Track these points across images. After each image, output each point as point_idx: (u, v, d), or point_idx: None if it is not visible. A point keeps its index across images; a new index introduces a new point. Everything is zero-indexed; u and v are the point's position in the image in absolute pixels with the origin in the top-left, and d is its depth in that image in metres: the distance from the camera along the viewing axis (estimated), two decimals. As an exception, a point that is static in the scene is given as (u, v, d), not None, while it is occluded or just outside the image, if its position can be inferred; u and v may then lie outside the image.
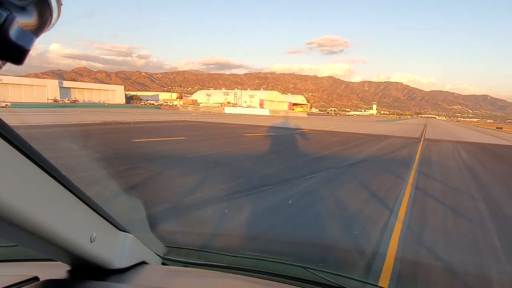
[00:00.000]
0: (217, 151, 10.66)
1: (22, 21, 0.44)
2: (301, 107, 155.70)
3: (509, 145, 21.47)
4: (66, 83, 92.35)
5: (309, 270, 1.37)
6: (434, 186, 7.44)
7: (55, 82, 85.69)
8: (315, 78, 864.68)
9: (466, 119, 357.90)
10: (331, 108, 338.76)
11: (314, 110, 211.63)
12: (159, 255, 1.40)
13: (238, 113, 60.40)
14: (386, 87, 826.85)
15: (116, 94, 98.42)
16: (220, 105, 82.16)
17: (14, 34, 0.42)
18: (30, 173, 0.64)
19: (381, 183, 7.36)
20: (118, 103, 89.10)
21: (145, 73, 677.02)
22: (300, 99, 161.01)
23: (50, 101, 70.26)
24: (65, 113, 27.52)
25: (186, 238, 3.75)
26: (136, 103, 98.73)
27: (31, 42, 0.45)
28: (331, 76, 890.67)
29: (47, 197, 0.70)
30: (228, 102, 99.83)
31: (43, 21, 0.50)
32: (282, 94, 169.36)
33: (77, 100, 79.26)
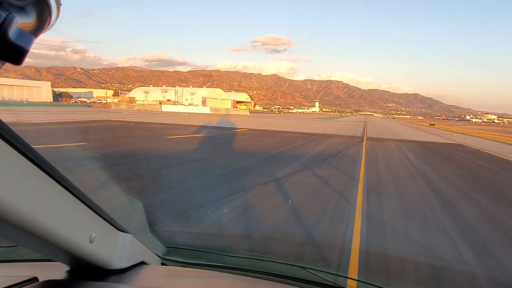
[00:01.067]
0: (113, 161, 7.95)
1: (21, 21, 0.44)
2: (245, 105, 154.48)
3: (449, 143, 20.96)
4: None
5: (308, 270, 1.39)
6: (390, 209, 5.47)
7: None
8: (259, 76, 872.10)
9: (400, 116, 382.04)
10: (275, 106, 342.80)
11: (258, 108, 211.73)
12: (158, 255, 1.41)
13: (176, 111, 56.92)
14: (327, 85, 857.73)
15: (42, 91, 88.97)
16: (158, 103, 77.61)
17: (13, 34, 0.42)
18: (30, 173, 0.64)
19: (319, 212, 5.18)
20: (44, 101, 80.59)
21: (81, 68, 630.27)
22: (243, 96, 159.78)
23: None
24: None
25: (185, 238, 3.85)
26: (66, 100, 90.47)
27: (30, 42, 0.45)
28: (275, 74, 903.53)
29: (47, 198, 0.70)
30: (168, 100, 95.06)
31: (42, 21, 0.50)
32: (226, 91, 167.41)
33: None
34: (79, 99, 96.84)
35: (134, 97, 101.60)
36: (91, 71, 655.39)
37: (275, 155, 10.71)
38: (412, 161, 11.15)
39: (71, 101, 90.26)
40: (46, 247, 0.79)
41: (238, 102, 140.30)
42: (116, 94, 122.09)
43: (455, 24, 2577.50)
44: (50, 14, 0.51)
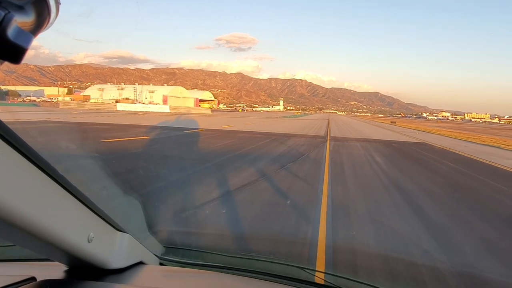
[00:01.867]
0: None
1: (20, 20, 0.44)
2: (208, 103, 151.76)
3: (414, 142, 20.08)
4: None
5: (305, 270, 1.42)
6: (362, 236, 3.86)
7: None
8: (224, 74, 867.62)
9: (361, 114, 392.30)
10: (239, 105, 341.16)
11: (222, 106, 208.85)
12: (156, 255, 1.41)
13: (132, 110, 53.73)
14: (291, 84, 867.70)
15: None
16: (115, 101, 73.51)
17: (12, 33, 0.42)
18: (28, 173, 0.64)
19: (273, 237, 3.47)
20: (-14, 100, 74.20)
21: (34, 65, 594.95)
22: (207, 95, 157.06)
23: None
24: None
25: (183, 238, 3.86)
26: (13, 99, 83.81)
27: (29, 41, 0.44)
28: (239, 73, 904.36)
29: (45, 197, 0.70)
30: (127, 98, 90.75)
31: (41, 20, 0.49)
32: (189, 90, 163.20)
33: None
34: (28, 97, 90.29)
35: (89, 96, 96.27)
36: (46, 68, 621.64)
37: (223, 162, 8.91)
38: (381, 166, 9.76)
39: (18, 99, 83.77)
40: (44, 246, 0.79)
41: (201, 100, 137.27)
42: (70, 92, 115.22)
43: (412, 26, 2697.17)
44: (49, 13, 0.50)
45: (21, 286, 0.89)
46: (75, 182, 0.77)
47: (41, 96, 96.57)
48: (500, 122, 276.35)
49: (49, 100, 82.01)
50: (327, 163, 9.67)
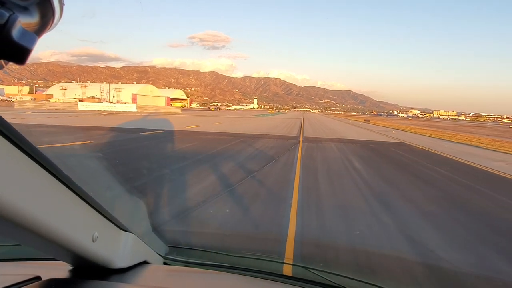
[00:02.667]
0: None
1: (25, 21, 0.44)
2: (180, 102, 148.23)
3: (392, 142, 18.72)
4: None
5: (310, 270, 1.41)
6: None
7: None
8: (197, 73, 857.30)
9: (335, 112, 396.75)
10: (213, 103, 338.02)
11: (195, 105, 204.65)
12: (160, 255, 1.41)
13: (96, 109, 50.57)
14: (266, 82, 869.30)
15: None
16: (78, 100, 69.49)
17: (17, 34, 0.42)
18: (32, 172, 0.65)
19: None
20: None
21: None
22: (179, 93, 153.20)
23: None
24: None
25: (187, 237, 3.83)
26: (-31, 98, 78.23)
27: (33, 42, 0.45)
28: (213, 71, 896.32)
29: (49, 197, 0.70)
30: (93, 97, 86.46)
31: (46, 21, 0.50)
32: (160, 88, 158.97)
33: None
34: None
35: (52, 95, 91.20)
36: (10, 67, 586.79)
37: (164, 177, 6.99)
38: (362, 175, 8.12)
39: (-27, 99, 78.22)
40: (48, 246, 0.79)
41: (173, 99, 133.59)
42: (31, 91, 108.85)
43: (383, 26, 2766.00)
44: (53, 14, 0.50)
45: (26, 285, 0.89)
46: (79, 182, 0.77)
47: (1, 95, 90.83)
48: (466, 119, 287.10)
49: (8, 99, 77.08)
50: (297, 174, 7.83)
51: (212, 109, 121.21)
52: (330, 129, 29.89)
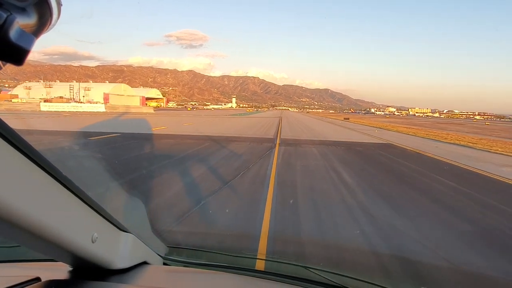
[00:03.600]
0: None
1: (22, 22, 0.44)
2: (156, 101, 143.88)
3: (378, 144, 16.90)
4: None
5: (310, 269, 1.39)
6: None
7: None
8: (175, 72, 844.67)
9: (313, 110, 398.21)
10: (191, 103, 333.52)
11: (172, 104, 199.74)
12: (160, 255, 1.41)
13: (60, 110, 47.08)
14: (244, 81, 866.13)
15: None
16: (43, 100, 65.22)
17: (14, 35, 0.42)
18: (32, 174, 0.65)
19: None
20: None
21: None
22: (154, 92, 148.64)
23: None
24: None
25: (187, 238, 3.78)
26: None
27: (31, 43, 0.45)
28: (191, 70, 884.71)
29: (49, 198, 0.70)
30: (61, 97, 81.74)
31: (43, 22, 0.49)
32: (137, 87, 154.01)
33: None
34: None
35: (17, 95, 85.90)
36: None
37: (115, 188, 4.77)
38: (357, 196, 6.09)
39: None
40: (48, 247, 0.79)
41: (148, 98, 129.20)
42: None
43: (360, 26, 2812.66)
44: (51, 15, 0.50)
45: (26, 286, 0.89)
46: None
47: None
48: (441, 116, 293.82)
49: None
50: (268, 202, 5.58)
51: (189, 109, 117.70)
52: (309, 128, 28.00)
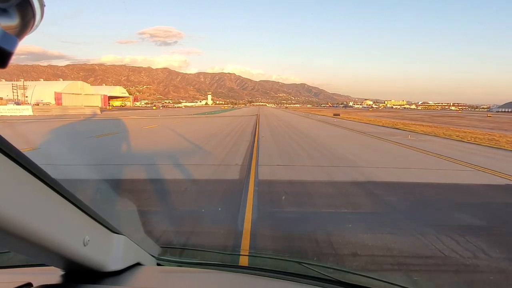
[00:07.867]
0: None
1: (4, 23, 0.43)
2: (121, 100, 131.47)
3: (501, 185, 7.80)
4: None
5: (303, 264, 1.40)
6: None
7: None
8: (149, 70, 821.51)
9: (291, 105, 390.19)
10: (166, 101, 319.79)
11: (140, 103, 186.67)
12: (153, 256, 1.40)
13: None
14: (220, 78, 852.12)
15: None
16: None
17: None
18: (20, 178, 0.64)
19: None
20: None
21: None
22: (119, 90, 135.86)
23: None
24: None
25: (180, 237, 3.70)
26: None
27: (14, 44, 0.43)
28: (166, 68, 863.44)
29: (38, 202, 0.69)
30: (1, 98, 69.73)
31: (26, 23, 0.48)
32: (95, 85, 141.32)
33: None
34: None
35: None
36: None
37: None
38: None
39: None
40: (39, 252, 0.77)
41: (112, 97, 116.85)
42: None
43: (335, 20, 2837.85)
44: (33, 16, 0.49)
45: None
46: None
47: None
48: (418, 108, 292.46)
49: None
50: None
51: (154, 108, 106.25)
52: (296, 129, 18.68)
